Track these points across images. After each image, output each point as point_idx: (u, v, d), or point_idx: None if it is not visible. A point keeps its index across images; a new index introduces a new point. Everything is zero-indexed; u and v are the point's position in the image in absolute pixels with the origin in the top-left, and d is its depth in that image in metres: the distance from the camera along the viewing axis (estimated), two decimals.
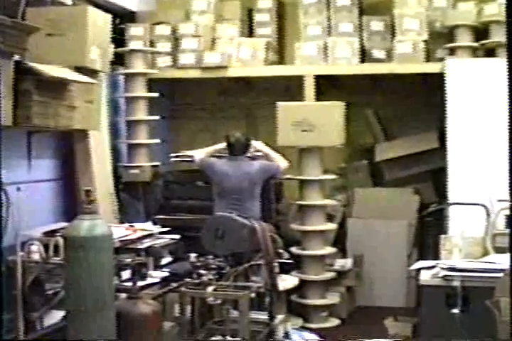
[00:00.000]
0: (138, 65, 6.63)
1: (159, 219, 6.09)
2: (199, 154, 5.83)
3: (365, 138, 7.43)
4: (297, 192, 6.35)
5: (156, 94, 6.73)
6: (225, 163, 5.62)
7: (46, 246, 4.62)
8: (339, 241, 6.92)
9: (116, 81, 6.73)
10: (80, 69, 4.91)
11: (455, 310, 4.23)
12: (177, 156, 6.24)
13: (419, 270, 4.73)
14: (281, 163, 5.70)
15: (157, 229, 5.53)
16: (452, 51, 6.41)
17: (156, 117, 6.75)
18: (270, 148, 5.83)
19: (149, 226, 5.57)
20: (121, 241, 4.93)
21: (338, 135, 6.12)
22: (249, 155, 5.72)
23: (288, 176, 6.16)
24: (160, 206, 6.45)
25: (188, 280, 4.79)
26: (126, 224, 5.53)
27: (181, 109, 7.76)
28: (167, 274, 5.12)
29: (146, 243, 5.22)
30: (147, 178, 6.57)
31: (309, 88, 6.49)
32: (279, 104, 6.18)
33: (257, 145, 5.77)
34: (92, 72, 5.11)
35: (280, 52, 7.33)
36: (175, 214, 6.26)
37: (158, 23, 6.97)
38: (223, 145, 5.72)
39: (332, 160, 6.96)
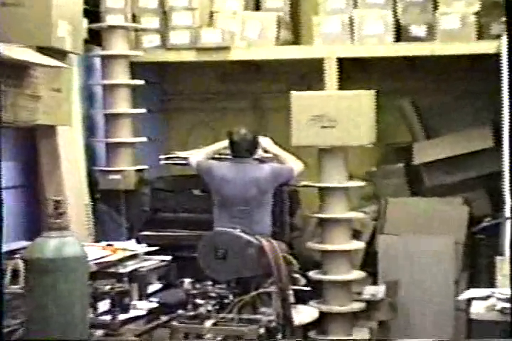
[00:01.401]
0: (118, 45, 6.60)
1: (145, 236, 6.13)
2: (196, 156, 5.81)
3: (400, 136, 7.44)
4: (316, 203, 6.32)
5: (141, 82, 6.73)
6: (226, 167, 5.59)
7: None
8: (369, 263, 6.91)
9: (92, 64, 6.73)
10: (45, 50, 4.91)
11: None
12: (168, 158, 6.26)
13: (470, 300, 4.74)
14: (295, 165, 5.66)
15: (143, 248, 5.55)
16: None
17: (142, 110, 6.76)
18: (281, 148, 5.80)
19: (133, 245, 5.59)
20: (97, 263, 4.93)
21: (366, 132, 6.12)
22: (257, 156, 5.68)
23: (305, 183, 6.18)
24: (146, 220, 6.46)
25: (181, 312, 4.83)
26: (104, 243, 5.55)
27: (173, 99, 7.82)
28: (155, 305, 5.09)
29: (129, 266, 5.22)
30: (131, 185, 6.56)
31: (331, 73, 6.51)
32: (294, 93, 6.19)
33: (264, 143, 5.73)
34: (61, 54, 5.15)
35: (295, 29, 7.36)
36: (165, 229, 6.27)
37: None
38: (225, 144, 5.70)
39: (359, 163, 6.99)
